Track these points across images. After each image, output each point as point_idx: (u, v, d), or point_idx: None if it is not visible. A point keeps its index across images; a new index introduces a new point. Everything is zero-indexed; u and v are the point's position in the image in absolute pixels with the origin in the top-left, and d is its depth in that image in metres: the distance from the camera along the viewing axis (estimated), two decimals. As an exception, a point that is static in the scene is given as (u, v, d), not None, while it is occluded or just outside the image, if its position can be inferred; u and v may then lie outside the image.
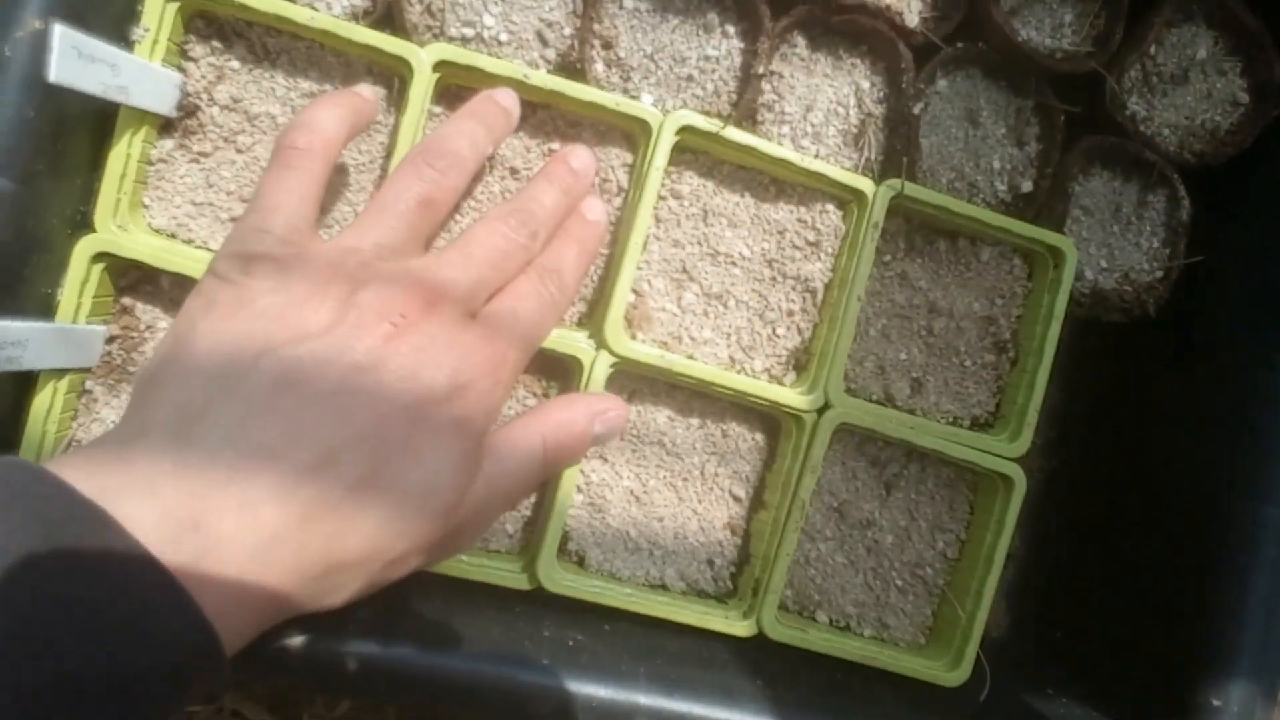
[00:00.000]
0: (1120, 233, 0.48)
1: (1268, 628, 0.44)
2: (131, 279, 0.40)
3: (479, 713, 0.37)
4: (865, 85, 0.45)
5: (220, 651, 0.28)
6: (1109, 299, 0.48)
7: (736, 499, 0.45)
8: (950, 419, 0.47)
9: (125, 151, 0.38)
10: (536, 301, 0.38)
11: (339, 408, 0.31)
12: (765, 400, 0.43)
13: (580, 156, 0.41)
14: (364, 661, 0.36)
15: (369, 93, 0.40)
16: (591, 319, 0.43)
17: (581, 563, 0.43)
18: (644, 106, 0.41)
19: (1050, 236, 0.45)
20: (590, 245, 0.41)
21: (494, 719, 0.37)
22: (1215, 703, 0.43)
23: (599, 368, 0.41)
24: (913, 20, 0.44)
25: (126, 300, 0.40)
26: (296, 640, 0.36)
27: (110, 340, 0.40)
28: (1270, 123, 0.47)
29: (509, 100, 0.40)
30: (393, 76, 0.41)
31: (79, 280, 0.37)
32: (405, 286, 0.33)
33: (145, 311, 0.40)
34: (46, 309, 0.37)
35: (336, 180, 0.41)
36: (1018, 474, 0.45)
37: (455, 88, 0.41)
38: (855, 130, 0.45)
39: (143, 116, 0.38)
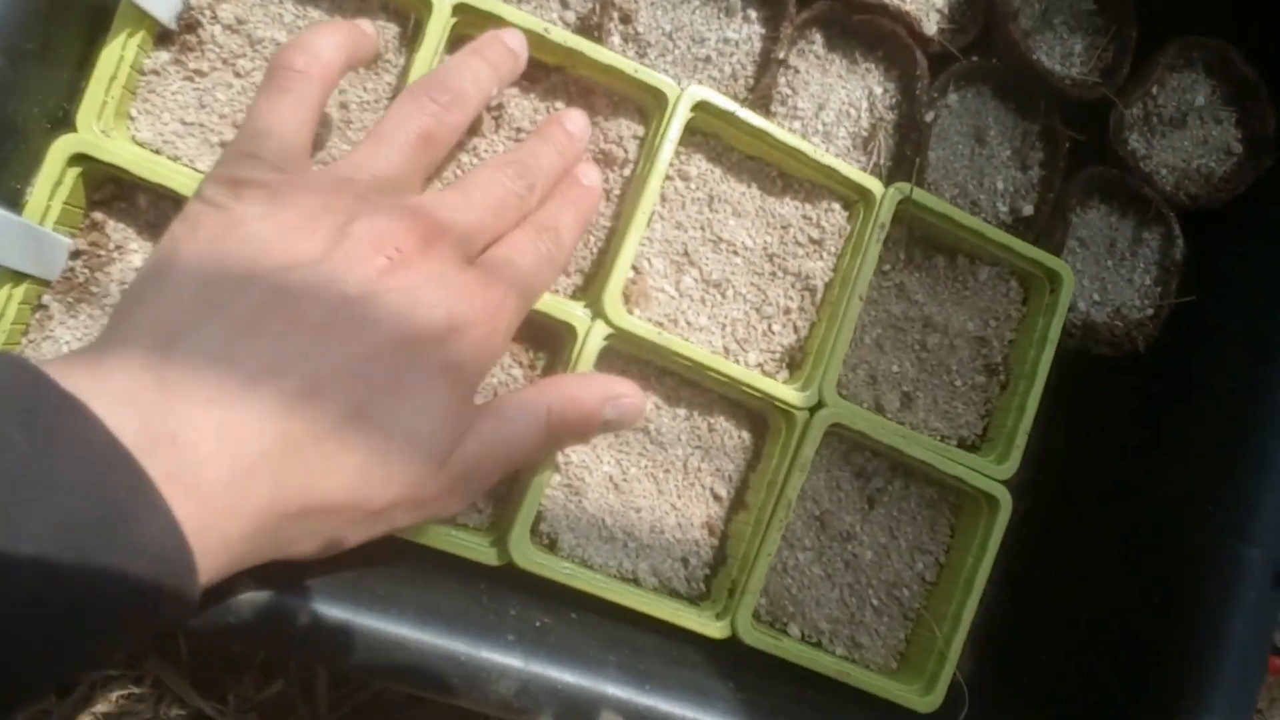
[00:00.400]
0: (1114, 267, 0.48)
1: (1245, 671, 0.43)
2: (107, 193, 0.37)
3: (435, 686, 0.34)
4: (878, 90, 0.45)
5: (192, 566, 0.25)
6: (1100, 332, 0.48)
7: (717, 498, 0.43)
8: (938, 437, 0.46)
9: (119, 53, 0.36)
10: (534, 255, 0.36)
11: (328, 338, 0.29)
12: (758, 392, 0.41)
13: (576, 120, 0.40)
14: (315, 619, 0.33)
15: (369, 28, 0.39)
16: (588, 291, 0.41)
17: (553, 546, 0.41)
18: (662, 77, 0.40)
19: (1049, 259, 0.45)
20: (585, 209, 0.40)
21: (451, 693, 0.34)
22: (1190, 746, 0.42)
23: (593, 338, 0.39)
24: (931, 29, 0.44)
25: (98, 215, 0.37)
26: (245, 589, 0.33)
27: (75, 255, 0.37)
28: (1263, 174, 0.48)
29: (517, 42, 0.38)
30: (408, 14, 0.39)
31: (52, 180, 0.35)
32: (402, 220, 0.32)
33: (116, 230, 0.38)
34: (12, 205, 0.34)
35: (340, 118, 0.39)
36: (1004, 495, 0.44)
37: (469, 38, 0.40)
38: (865, 133, 0.45)
39: (140, 19, 0.36)
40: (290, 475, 0.28)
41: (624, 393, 0.37)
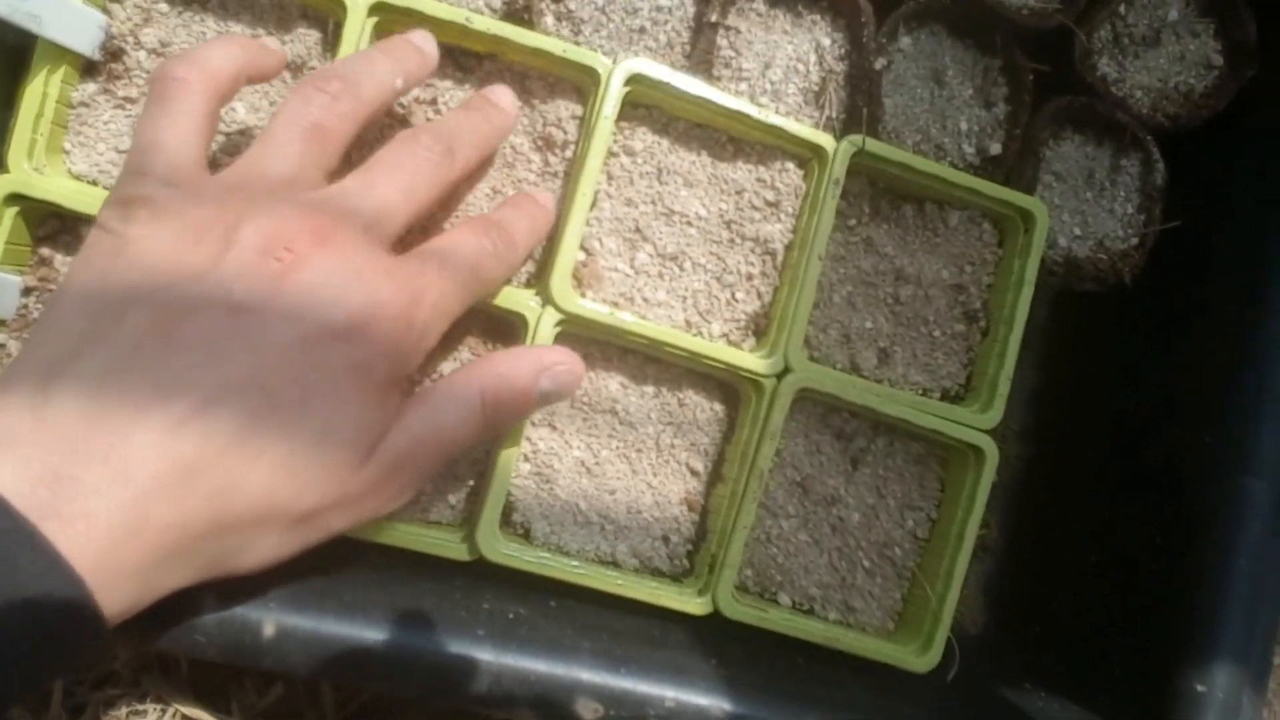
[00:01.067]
0: (1094, 199, 0.46)
1: (1253, 607, 0.41)
2: (50, 228, 0.38)
3: (404, 685, 0.34)
4: (826, 42, 0.44)
5: (91, 607, 0.25)
6: (1083, 268, 0.46)
7: (694, 473, 0.43)
8: (919, 391, 0.45)
9: (42, 90, 0.36)
10: (475, 248, 0.35)
11: (215, 355, 0.28)
12: (721, 363, 0.41)
13: (500, 92, 0.39)
14: (280, 630, 0.34)
15: (271, 42, 0.38)
16: (540, 279, 0.41)
17: (527, 535, 0.41)
18: (592, 53, 0.40)
19: (1019, 198, 0.44)
20: (542, 222, 0.39)
21: (422, 691, 0.34)
22: (1199, 688, 0.41)
23: (544, 325, 0.39)
24: (873, -28, 0.43)
25: (45, 251, 0.38)
26: (210, 607, 0.33)
27: (28, 292, 0.37)
28: (1246, 85, 0.45)
29: (423, 40, 0.37)
30: (327, 18, 0.39)
31: (-11, 223, 0.35)
32: (292, 219, 0.30)
33: (64, 264, 0.38)
34: (-46, 252, 0.35)
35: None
36: (989, 445, 0.43)
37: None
38: (816, 88, 0.44)
39: (61, 54, 0.36)
40: (191, 495, 0.27)
41: (557, 360, 0.36)
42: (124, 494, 0.26)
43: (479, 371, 0.35)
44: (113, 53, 0.38)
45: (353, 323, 0.30)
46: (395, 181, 0.33)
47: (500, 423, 0.36)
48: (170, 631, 0.33)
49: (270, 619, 0.34)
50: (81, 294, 0.29)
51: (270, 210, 0.30)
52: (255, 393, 0.28)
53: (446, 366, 0.40)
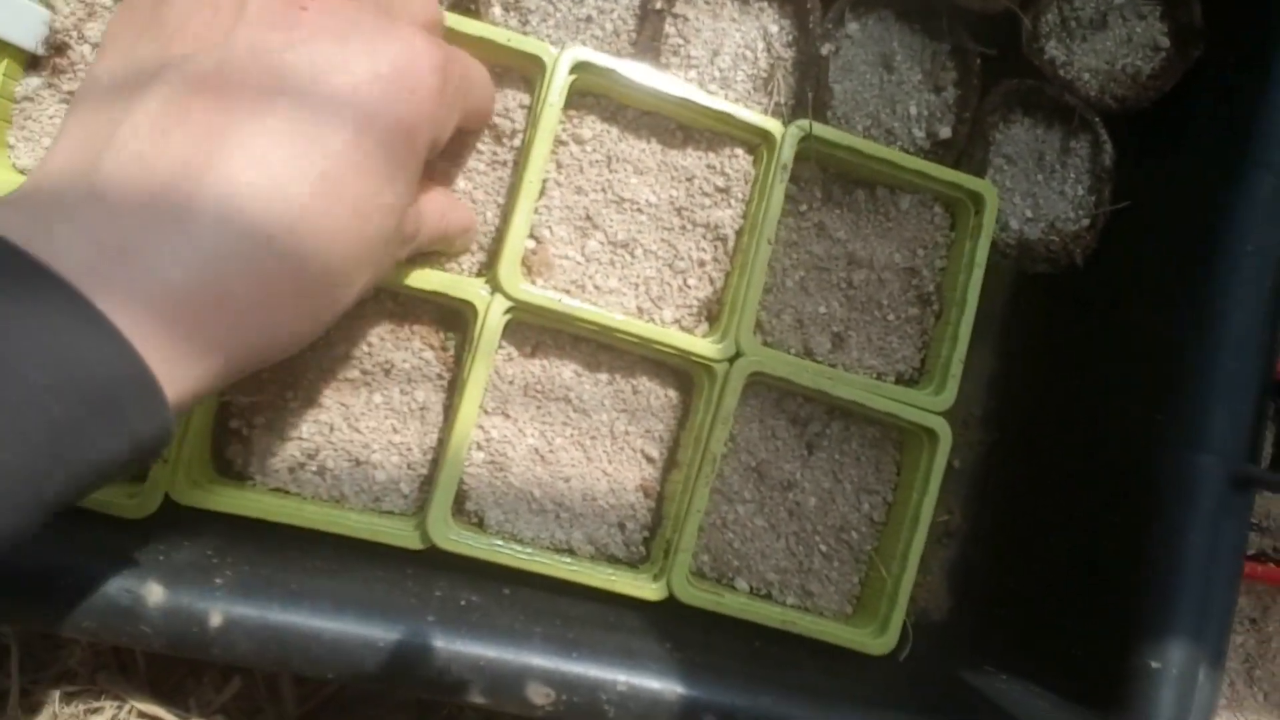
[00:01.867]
0: (1044, 181, 0.47)
1: (1207, 583, 0.41)
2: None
3: (353, 672, 0.34)
4: (774, 29, 0.44)
5: (152, 381, 0.25)
6: (1035, 249, 0.46)
7: (650, 459, 0.43)
8: (874, 375, 0.45)
9: (-17, 84, 0.36)
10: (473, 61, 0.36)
11: (261, 112, 0.27)
12: (672, 349, 0.41)
13: None
14: (228, 619, 0.33)
15: None
16: (490, 267, 0.41)
17: (481, 524, 0.41)
18: (537, 42, 0.40)
19: (969, 181, 0.44)
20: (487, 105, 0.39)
21: (370, 678, 0.34)
22: (1154, 665, 0.41)
23: (493, 313, 0.39)
24: (818, -42, 0.43)
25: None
26: (155, 596, 0.33)
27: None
28: (1192, 66, 0.46)
29: None
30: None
31: (-71, 217, 0.35)
32: None
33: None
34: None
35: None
36: (943, 427, 0.43)
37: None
38: (764, 75, 0.44)
39: (3, 49, 0.36)
40: (267, 260, 0.27)
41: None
42: (195, 263, 0.25)
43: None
44: (57, 47, 0.38)
45: (397, 69, 0.29)
46: None
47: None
48: (115, 623, 0.33)
49: (217, 608, 0.34)
50: (114, 64, 0.29)
51: None
52: (325, 148, 0.28)
53: (398, 357, 0.41)
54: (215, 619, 0.33)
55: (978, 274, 0.44)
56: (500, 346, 0.41)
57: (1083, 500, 0.46)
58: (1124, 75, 0.46)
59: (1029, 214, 0.47)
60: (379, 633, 0.34)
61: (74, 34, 0.38)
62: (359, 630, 0.34)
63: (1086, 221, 0.46)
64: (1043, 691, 0.44)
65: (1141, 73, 0.46)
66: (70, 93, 0.38)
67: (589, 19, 0.42)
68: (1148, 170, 0.46)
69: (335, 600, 0.35)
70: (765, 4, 0.44)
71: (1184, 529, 0.41)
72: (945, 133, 0.45)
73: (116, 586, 0.33)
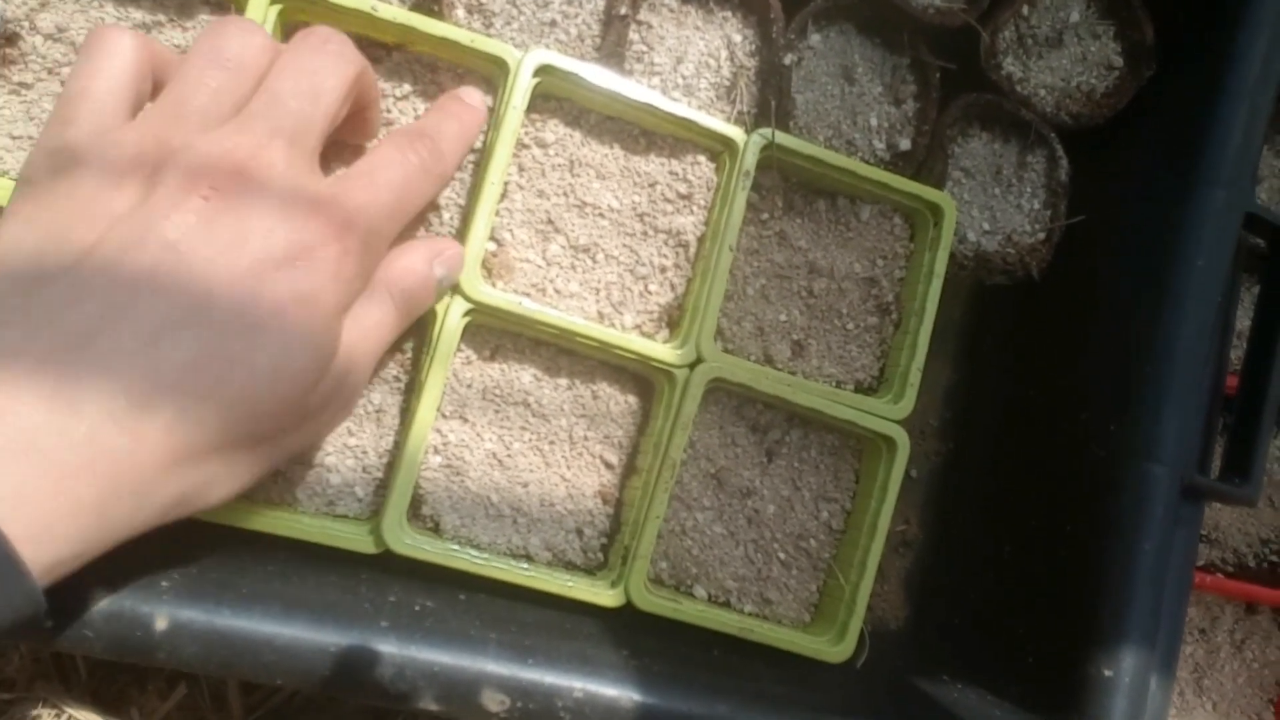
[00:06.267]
0: (1002, 194, 0.47)
1: (1158, 592, 0.42)
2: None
3: (302, 677, 0.33)
4: (737, 38, 0.44)
5: (9, 554, 0.24)
6: (992, 261, 0.47)
7: (609, 465, 0.43)
8: (833, 383, 0.45)
9: (-71, 72, 0.35)
10: (402, 166, 0.35)
11: (156, 291, 0.28)
12: (632, 354, 0.41)
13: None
14: (174, 623, 0.33)
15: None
16: (449, 270, 0.40)
17: (437, 529, 0.40)
18: (501, 44, 0.40)
19: (928, 192, 0.44)
20: (469, 122, 0.39)
21: (320, 684, 0.34)
22: (1106, 673, 0.41)
23: (452, 315, 0.39)
24: (782, -31, 0.43)
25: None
26: (98, 599, 0.32)
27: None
28: (1144, 85, 0.47)
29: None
30: (228, 5, 0.39)
31: None
32: (213, 154, 0.30)
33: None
34: None
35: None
36: (901, 436, 0.43)
37: (301, 25, 0.39)
38: (727, 83, 0.44)
39: (-49, 37, 0.35)
40: (148, 429, 0.27)
41: (443, 247, 0.37)
42: (74, 435, 0.26)
43: (383, 272, 0.35)
44: (8, 37, 0.37)
45: (290, 253, 0.30)
46: (301, 91, 0.32)
47: (412, 310, 0.37)
48: (54, 628, 0.32)
49: (163, 612, 0.33)
50: (10, 249, 0.29)
51: (188, 150, 0.30)
52: (201, 326, 0.29)
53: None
54: (160, 623, 0.32)
55: (936, 284, 0.44)
56: (459, 349, 0.41)
57: (1038, 510, 0.46)
58: (1079, 92, 0.47)
59: (986, 226, 0.47)
60: (331, 638, 0.34)
61: (26, 24, 0.37)
62: (310, 635, 0.34)
63: (1042, 235, 0.47)
64: (997, 700, 0.45)
65: (1096, 90, 0.47)
66: (21, 83, 0.37)
67: (553, 23, 0.42)
68: (1102, 185, 0.47)
69: (286, 604, 0.34)
70: (729, 13, 0.44)
71: (1136, 538, 0.42)
72: (905, 145, 0.46)
73: (57, 589, 0.32)
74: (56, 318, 0.27)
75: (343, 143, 0.38)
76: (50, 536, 0.26)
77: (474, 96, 0.40)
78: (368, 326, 0.35)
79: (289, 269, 0.30)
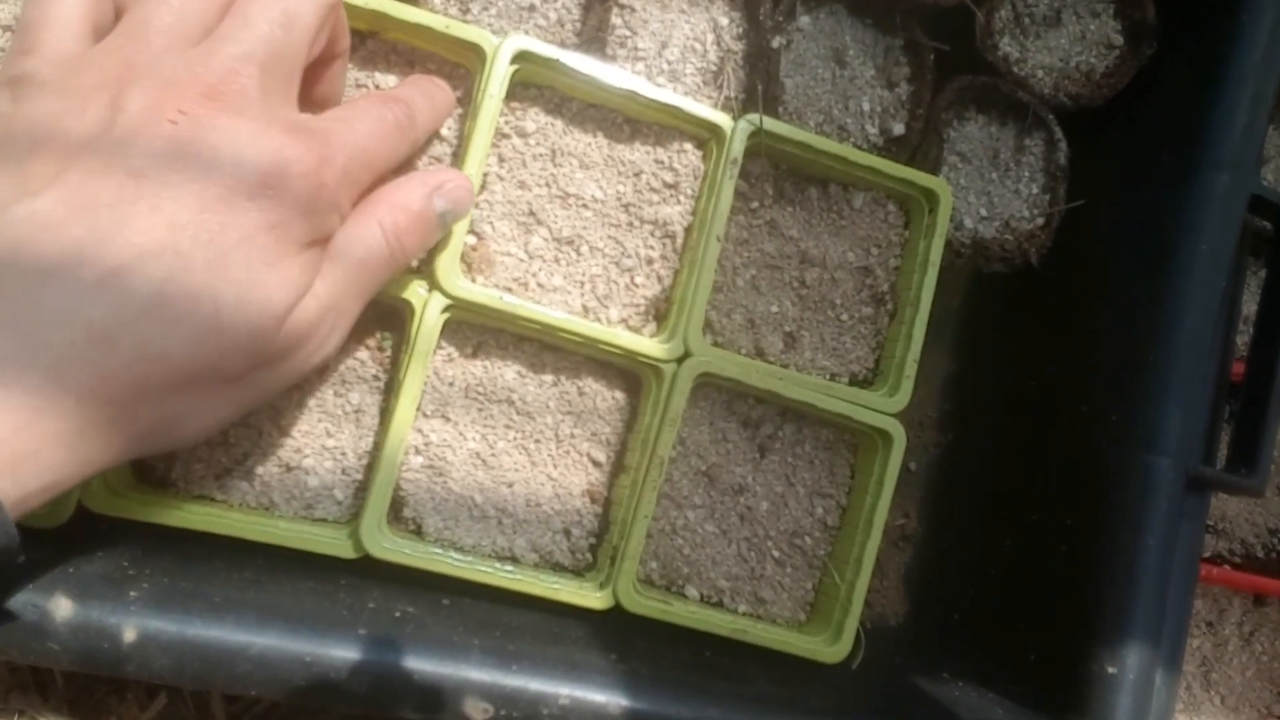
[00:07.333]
0: (999, 179, 0.46)
1: (1162, 586, 0.41)
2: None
3: (276, 687, 0.32)
4: (724, 21, 0.43)
5: None
6: (990, 249, 0.46)
7: (596, 463, 0.42)
8: (827, 376, 0.44)
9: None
10: (376, 119, 0.34)
11: (120, 219, 0.27)
12: (618, 349, 0.39)
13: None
14: (143, 634, 0.32)
15: None
16: (428, 264, 0.39)
17: (419, 531, 0.39)
18: (477, 30, 0.38)
19: (923, 178, 0.43)
20: (440, 101, 0.38)
21: (298, 695, 0.33)
22: (1110, 670, 0.40)
23: (431, 311, 0.37)
24: (768, -51, 0.42)
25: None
26: (63, 607, 0.31)
27: None
28: (1145, 64, 0.45)
29: None
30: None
31: None
32: (181, 76, 0.29)
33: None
34: None
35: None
36: (897, 429, 0.42)
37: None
38: (714, 68, 0.43)
39: (-96, 29, 0.34)
40: (111, 361, 0.27)
41: (445, 179, 0.35)
42: (36, 362, 0.26)
43: (373, 205, 0.34)
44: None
45: (264, 178, 0.29)
46: (271, 13, 0.31)
47: (408, 249, 0.35)
48: (20, 640, 0.31)
49: (131, 623, 0.32)
50: None
51: (154, 71, 0.29)
52: (167, 256, 0.28)
53: (344, 357, 0.39)
54: (129, 634, 0.31)
55: (932, 273, 0.43)
56: (440, 347, 0.39)
57: (1039, 503, 0.45)
58: (1078, 73, 0.46)
59: (983, 212, 0.46)
60: (307, 647, 0.33)
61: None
62: (286, 644, 0.33)
63: (1041, 220, 0.46)
64: (998, 698, 0.44)
65: (1095, 70, 0.46)
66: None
67: (532, 8, 0.41)
68: (1103, 169, 0.45)
69: (261, 613, 0.33)
70: (715, -5, 0.43)
71: (1140, 532, 0.41)
72: (898, 129, 0.44)
73: (22, 601, 0.31)
74: (18, 244, 0.27)
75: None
76: (17, 470, 0.26)
77: (443, 82, 0.39)
78: (351, 262, 0.33)
79: (260, 197, 0.29)
